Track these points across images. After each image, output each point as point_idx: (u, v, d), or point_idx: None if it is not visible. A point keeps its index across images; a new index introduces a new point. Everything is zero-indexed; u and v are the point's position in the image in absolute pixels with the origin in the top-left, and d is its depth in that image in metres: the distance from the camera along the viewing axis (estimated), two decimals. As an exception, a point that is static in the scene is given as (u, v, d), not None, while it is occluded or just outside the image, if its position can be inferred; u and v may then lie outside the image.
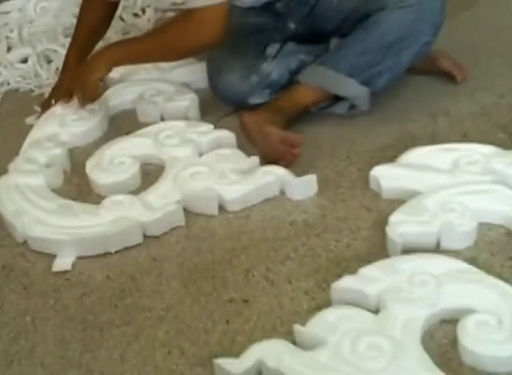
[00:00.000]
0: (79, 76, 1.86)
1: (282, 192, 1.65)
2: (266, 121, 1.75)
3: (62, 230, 1.59)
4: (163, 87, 2.01)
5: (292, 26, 1.94)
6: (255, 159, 1.69)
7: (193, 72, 2.07)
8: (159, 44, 1.80)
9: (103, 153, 1.79)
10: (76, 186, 1.78)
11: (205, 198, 1.63)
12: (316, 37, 1.93)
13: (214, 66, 1.95)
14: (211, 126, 1.83)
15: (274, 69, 1.88)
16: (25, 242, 1.63)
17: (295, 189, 1.64)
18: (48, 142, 1.85)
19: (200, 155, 1.76)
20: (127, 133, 1.87)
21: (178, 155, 1.74)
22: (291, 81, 1.87)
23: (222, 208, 1.64)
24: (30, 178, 1.72)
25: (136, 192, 1.68)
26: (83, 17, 2.02)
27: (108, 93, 2.04)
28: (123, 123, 1.98)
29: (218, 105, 1.96)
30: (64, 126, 1.91)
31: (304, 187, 1.64)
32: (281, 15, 1.94)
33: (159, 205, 1.61)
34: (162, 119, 1.95)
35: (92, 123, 1.93)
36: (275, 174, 1.64)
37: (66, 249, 1.57)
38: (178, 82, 2.04)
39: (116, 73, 2.08)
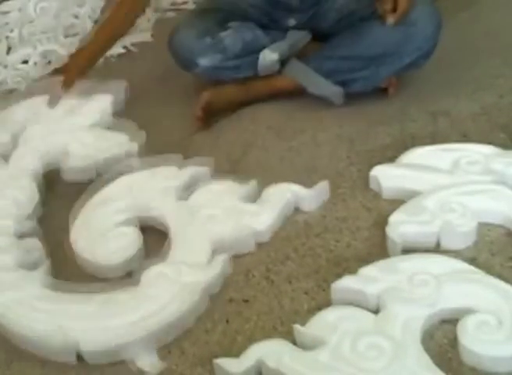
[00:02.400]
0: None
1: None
2: (220, 92, 1.94)
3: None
4: None
5: (292, 22, 1.95)
6: (253, 183, 1.61)
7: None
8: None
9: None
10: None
11: (242, 238, 1.52)
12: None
13: (179, 23, 2.01)
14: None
15: (228, 35, 1.93)
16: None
17: (311, 200, 1.59)
18: None
19: (181, 198, 1.62)
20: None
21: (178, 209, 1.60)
22: (244, 51, 1.92)
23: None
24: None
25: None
26: (116, 23, 1.98)
27: None
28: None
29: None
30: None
31: (318, 196, 1.60)
32: (288, 10, 1.94)
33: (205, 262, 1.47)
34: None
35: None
36: (290, 190, 1.59)
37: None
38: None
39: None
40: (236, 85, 1.96)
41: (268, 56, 1.92)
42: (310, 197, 1.60)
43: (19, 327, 1.36)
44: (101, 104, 1.90)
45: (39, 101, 1.92)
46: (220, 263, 1.45)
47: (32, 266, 1.49)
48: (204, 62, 1.93)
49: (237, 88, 1.96)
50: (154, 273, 1.43)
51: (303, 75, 1.91)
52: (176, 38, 1.97)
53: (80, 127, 1.84)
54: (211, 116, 1.94)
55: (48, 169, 1.78)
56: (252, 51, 1.93)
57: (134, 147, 1.77)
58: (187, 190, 1.64)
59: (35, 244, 1.54)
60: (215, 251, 1.48)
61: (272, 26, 1.94)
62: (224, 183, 1.63)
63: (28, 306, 1.38)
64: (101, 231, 1.56)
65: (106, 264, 1.50)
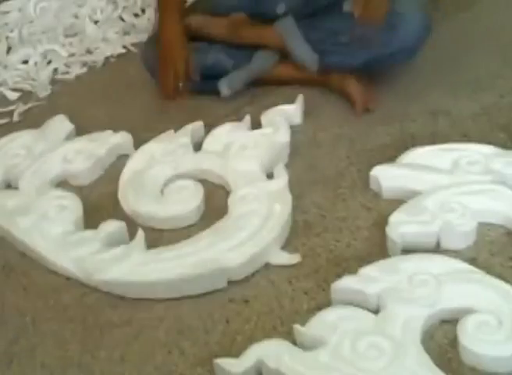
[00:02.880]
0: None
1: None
2: (209, 20, 1.99)
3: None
4: None
5: (281, 9, 1.95)
6: None
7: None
8: None
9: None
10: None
11: None
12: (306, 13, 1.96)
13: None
14: None
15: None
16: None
17: None
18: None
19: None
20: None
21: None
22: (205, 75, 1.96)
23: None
24: None
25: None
26: None
27: None
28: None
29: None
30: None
31: None
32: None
33: None
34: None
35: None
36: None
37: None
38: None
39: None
40: (228, 21, 1.97)
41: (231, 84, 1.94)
42: None
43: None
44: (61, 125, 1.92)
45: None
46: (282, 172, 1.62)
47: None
48: None
49: (226, 23, 1.97)
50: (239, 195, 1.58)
51: (289, 33, 1.91)
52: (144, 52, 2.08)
53: (57, 145, 1.84)
54: (193, 39, 1.97)
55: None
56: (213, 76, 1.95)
57: (127, 136, 1.84)
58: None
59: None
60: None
61: (260, 15, 1.95)
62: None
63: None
64: (157, 188, 1.66)
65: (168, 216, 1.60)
